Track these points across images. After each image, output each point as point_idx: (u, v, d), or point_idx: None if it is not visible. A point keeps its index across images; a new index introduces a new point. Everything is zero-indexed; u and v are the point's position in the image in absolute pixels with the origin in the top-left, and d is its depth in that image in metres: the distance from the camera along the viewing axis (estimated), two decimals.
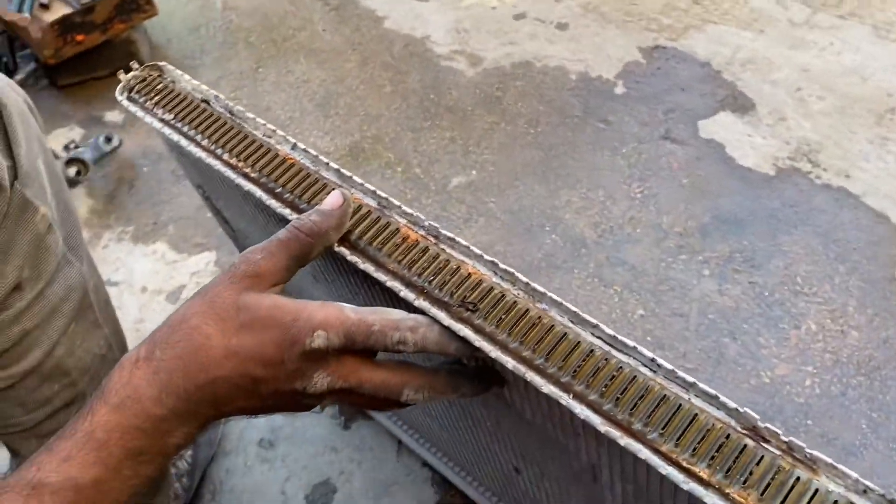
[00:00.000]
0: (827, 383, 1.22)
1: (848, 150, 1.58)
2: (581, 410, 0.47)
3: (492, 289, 0.55)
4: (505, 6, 2.09)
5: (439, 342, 0.54)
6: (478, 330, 0.53)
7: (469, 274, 0.56)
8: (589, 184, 1.57)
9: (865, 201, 1.49)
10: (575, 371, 0.49)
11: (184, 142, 0.71)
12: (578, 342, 0.51)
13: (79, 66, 2.00)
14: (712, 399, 0.46)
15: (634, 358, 0.49)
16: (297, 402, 0.55)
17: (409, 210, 0.62)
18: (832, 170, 1.54)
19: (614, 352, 0.50)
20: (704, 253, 1.41)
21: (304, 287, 0.90)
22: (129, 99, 0.76)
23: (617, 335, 0.50)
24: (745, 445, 0.44)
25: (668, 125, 1.68)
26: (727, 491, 0.43)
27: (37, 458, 0.50)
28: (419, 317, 0.55)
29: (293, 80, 1.96)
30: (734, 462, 0.43)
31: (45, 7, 1.86)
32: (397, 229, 0.61)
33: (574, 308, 0.52)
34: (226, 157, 0.69)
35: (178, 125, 0.73)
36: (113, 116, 1.94)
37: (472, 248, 0.58)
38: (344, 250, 0.61)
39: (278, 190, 0.66)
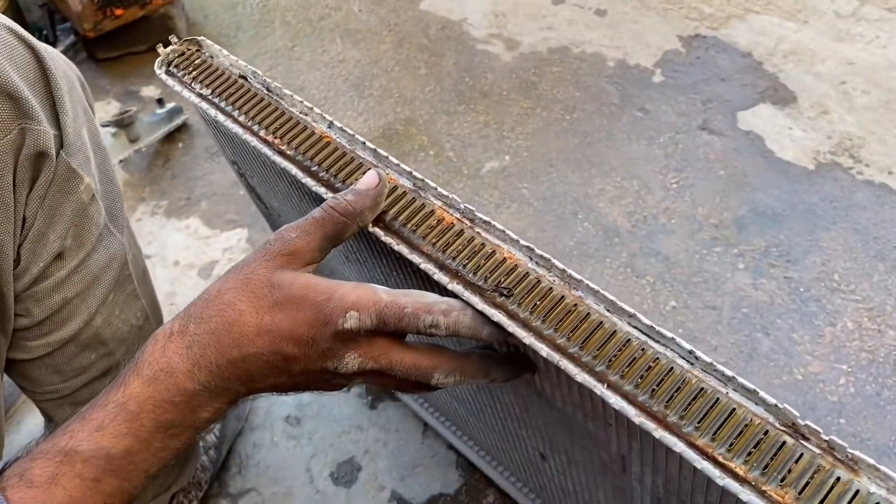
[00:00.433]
0: (862, 382, 1.19)
1: (892, 146, 1.54)
2: (615, 401, 0.47)
3: (527, 274, 0.54)
4: None
5: (472, 326, 0.54)
6: (511, 315, 0.53)
7: (504, 258, 0.56)
8: (624, 172, 1.56)
9: None
10: (610, 361, 0.49)
11: (221, 117, 0.71)
12: (614, 331, 0.50)
13: (117, 41, 2.01)
14: (751, 394, 0.45)
15: (671, 349, 0.48)
16: (328, 381, 0.56)
17: (444, 192, 0.61)
18: (875, 166, 1.51)
19: (651, 342, 0.49)
20: (740, 246, 1.39)
21: (336, 267, 0.89)
22: (168, 73, 0.76)
23: (654, 325, 0.49)
24: (784, 442, 0.43)
25: (706, 115, 1.66)
26: (764, 488, 0.42)
27: (69, 426, 0.51)
28: (452, 300, 0.54)
29: (328, 59, 1.95)
30: (772, 459, 0.43)
31: None
32: (432, 211, 0.60)
33: (611, 297, 0.51)
34: (262, 133, 0.69)
35: (216, 100, 0.72)
36: (149, 91, 1.94)
37: (507, 232, 0.57)
38: (378, 231, 0.60)
39: (314, 168, 0.66)
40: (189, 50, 0.77)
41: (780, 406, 0.44)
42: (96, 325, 0.84)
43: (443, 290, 0.56)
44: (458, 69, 1.87)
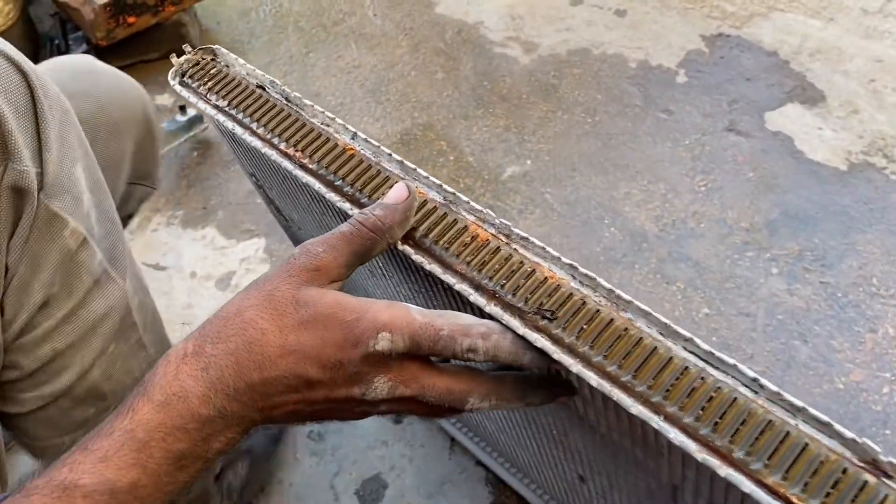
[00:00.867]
0: None
1: None
2: (675, 435, 0.43)
3: (571, 295, 0.50)
4: None
5: (512, 352, 0.50)
6: (556, 340, 0.49)
7: (546, 278, 0.52)
8: (650, 176, 1.52)
9: None
10: (667, 391, 0.45)
11: (238, 129, 0.67)
12: (670, 358, 0.46)
13: (129, 49, 1.99)
14: (824, 426, 0.41)
15: (733, 377, 0.44)
16: (350, 409, 0.52)
17: (477, 206, 0.57)
18: None
19: (710, 369, 0.45)
20: (772, 250, 1.35)
21: (360, 282, 0.86)
22: (182, 84, 0.73)
23: (714, 351, 0.45)
24: (866, 482, 0.39)
25: (732, 116, 1.61)
26: None
27: (69, 458, 0.47)
28: (491, 323, 0.51)
29: (343, 65, 1.92)
30: (853, 500, 0.39)
31: None
32: (465, 227, 0.56)
33: (664, 319, 0.48)
34: (282, 146, 0.65)
35: (233, 112, 0.69)
36: (163, 100, 1.92)
37: (547, 249, 0.53)
38: (408, 249, 0.57)
39: (338, 182, 0.62)
40: (204, 59, 0.74)
41: (859, 440, 0.40)
42: (93, 378, 0.79)
43: (479, 313, 0.52)
44: (476, 73, 1.84)
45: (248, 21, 2.12)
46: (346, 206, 0.60)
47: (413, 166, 0.61)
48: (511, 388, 0.53)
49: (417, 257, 0.56)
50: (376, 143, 0.63)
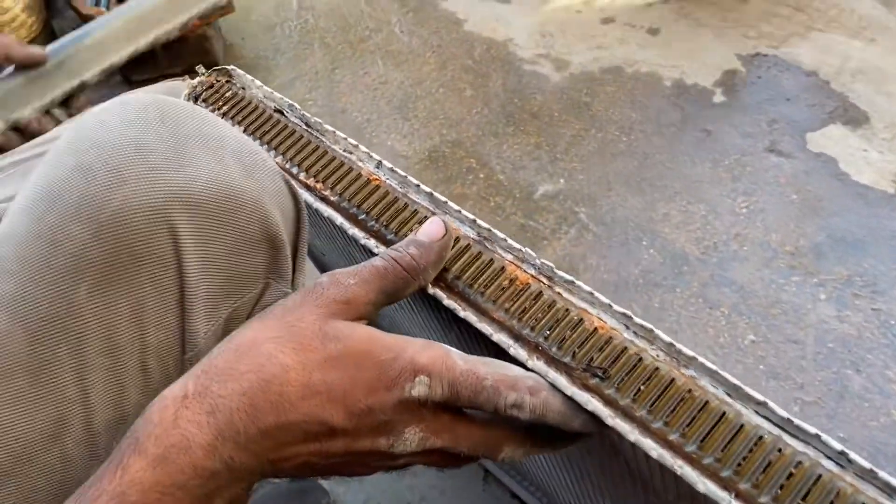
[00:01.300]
0: None
1: None
2: None
3: (625, 349, 0.45)
4: (591, 10, 1.98)
5: (563, 412, 0.44)
6: (609, 402, 0.43)
7: (595, 328, 0.46)
8: (689, 196, 1.46)
9: None
10: (739, 464, 0.39)
11: None
12: (741, 425, 0.40)
13: (152, 62, 1.96)
14: None
15: (815, 448, 0.38)
16: (369, 463, 0.46)
17: (515, 244, 0.52)
18: None
19: (787, 438, 0.39)
20: (820, 275, 1.29)
21: (385, 310, 0.81)
22: None
23: (791, 418, 0.40)
24: None
25: (772, 137, 1.55)
26: None
27: None
28: (540, 377, 0.45)
29: (370, 81, 1.88)
30: None
31: (121, 2, 1.83)
32: (502, 268, 0.51)
33: (733, 379, 0.42)
34: (302, 176, 0.60)
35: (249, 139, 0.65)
36: None
37: (596, 294, 0.47)
38: (440, 293, 0.51)
39: (362, 217, 0.57)
40: (219, 81, 0.70)
41: None
42: None
43: (528, 369, 0.47)
44: (506, 90, 1.79)
45: (273, 36, 2.09)
46: (371, 242, 0.55)
47: (444, 199, 0.56)
48: (545, 434, 0.47)
49: (450, 302, 0.51)
50: (403, 173, 0.58)
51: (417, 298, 0.61)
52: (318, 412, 0.42)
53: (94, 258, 0.44)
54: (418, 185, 0.57)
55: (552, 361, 0.46)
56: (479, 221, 0.54)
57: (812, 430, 0.39)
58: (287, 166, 0.61)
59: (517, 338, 0.48)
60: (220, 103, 0.68)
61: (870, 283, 1.26)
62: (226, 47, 2.07)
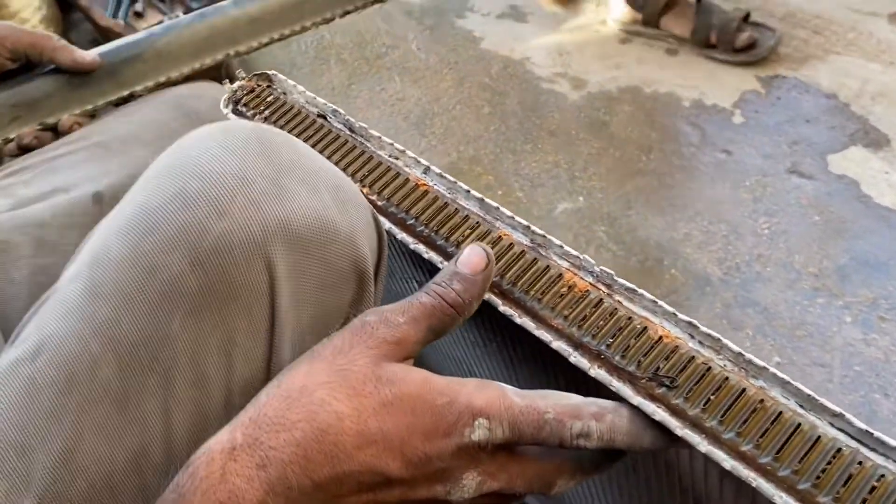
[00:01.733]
0: None
1: None
2: None
3: (693, 358, 0.43)
4: (609, 30, 1.99)
5: (631, 432, 0.42)
6: (677, 413, 0.41)
7: (660, 337, 0.45)
8: (710, 217, 1.45)
9: None
10: (818, 477, 0.37)
11: None
12: (818, 437, 0.39)
13: None
14: None
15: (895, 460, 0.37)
16: None
17: (572, 251, 0.50)
18: None
19: (866, 451, 0.38)
20: (844, 297, 1.28)
21: None
22: (236, 112, 0.67)
23: (870, 430, 0.38)
24: None
25: (793, 158, 1.55)
26: None
27: None
28: (601, 400, 0.43)
29: (387, 97, 1.88)
30: None
31: (139, 15, 1.83)
32: (559, 275, 0.49)
33: (807, 389, 0.40)
34: None
35: None
36: None
37: (659, 303, 0.46)
38: (495, 299, 0.49)
39: (410, 222, 0.55)
40: (259, 86, 0.69)
41: None
42: None
43: (581, 378, 0.45)
44: (523, 108, 1.79)
45: (289, 52, 2.09)
46: (421, 248, 0.54)
47: (495, 205, 0.54)
48: (597, 457, 0.45)
49: (505, 309, 0.49)
50: (452, 179, 0.57)
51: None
52: (374, 462, 0.40)
53: (190, 288, 0.43)
54: (468, 191, 0.56)
55: (615, 370, 0.44)
56: (534, 228, 0.52)
57: (893, 442, 0.37)
58: None
59: (577, 346, 0.46)
60: (262, 108, 0.67)
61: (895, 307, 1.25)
62: (242, 62, 2.07)
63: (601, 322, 0.47)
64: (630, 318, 0.46)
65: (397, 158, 0.60)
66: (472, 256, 0.48)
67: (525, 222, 0.53)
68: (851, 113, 1.65)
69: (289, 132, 0.63)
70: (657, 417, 0.42)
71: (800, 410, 0.40)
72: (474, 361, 0.71)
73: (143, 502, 0.44)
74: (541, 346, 0.48)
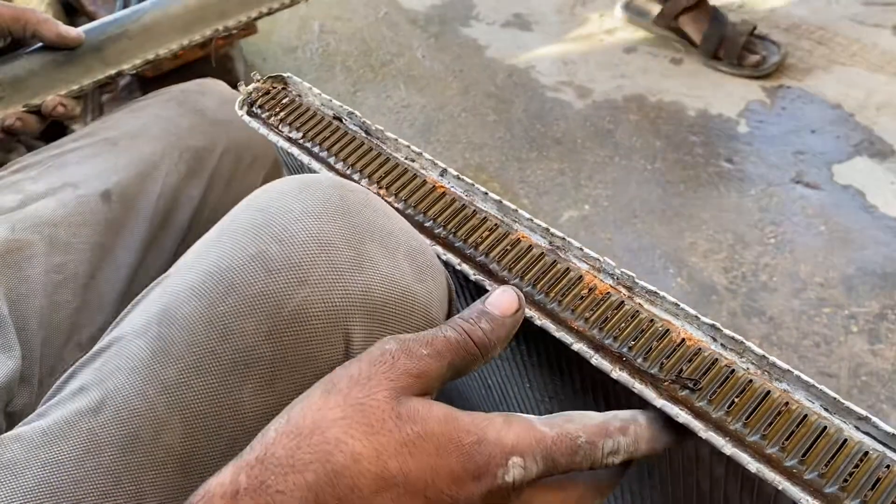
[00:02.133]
0: None
1: None
2: None
3: (716, 360, 0.43)
4: (614, 39, 1.99)
5: (652, 437, 0.41)
6: (700, 415, 0.41)
7: (682, 339, 0.44)
8: (715, 226, 1.45)
9: None
10: (845, 479, 0.37)
11: (315, 164, 0.61)
12: (844, 440, 0.38)
13: (174, 80, 1.95)
14: None
15: None
16: None
17: (592, 253, 0.50)
18: None
19: (893, 455, 0.38)
20: (851, 308, 1.28)
21: None
22: (251, 114, 0.67)
23: None
24: None
25: (799, 168, 1.55)
26: None
27: None
28: (620, 412, 0.42)
29: (392, 104, 1.88)
30: None
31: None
32: (580, 277, 0.49)
33: (832, 393, 0.40)
34: (364, 183, 0.59)
35: (308, 145, 0.63)
36: None
37: (681, 304, 0.45)
38: None
39: (428, 223, 0.55)
40: (274, 88, 0.68)
41: None
42: None
43: (603, 381, 0.45)
44: (529, 116, 1.79)
45: (294, 58, 2.09)
46: (438, 249, 0.54)
47: (513, 207, 0.54)
48: (613, 473, 0.44)
49: (526, 311, 0.49)
50: (469, 181, 0.57)
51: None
52: None
53: (264, 356, 0.42)
54: (486, 193, 0.56)
55: (637, 372, 0.44)
56: (553, 230, 0.52)
57: None
58: (348, 172, 0.60)
59: (598, 348, 0.46)
60: (277, 110, 0.67)
61: None
62: (247, 67, 2.07)
63: (623, 324, 0.46)
64: (652, 320, 0.46)
65: (414, 161, 0.60)
66: (503, 298, 0.45)
67: (544, 224, 0.52)
68: (856, 123, 1.65)
69: (305, 133, 0.63)
70: (680, 420, 0.41)
71: (825, 413, 0.40)
72: (486, 367, 0.71)
73: None
74: (558, 348, 0.47)
